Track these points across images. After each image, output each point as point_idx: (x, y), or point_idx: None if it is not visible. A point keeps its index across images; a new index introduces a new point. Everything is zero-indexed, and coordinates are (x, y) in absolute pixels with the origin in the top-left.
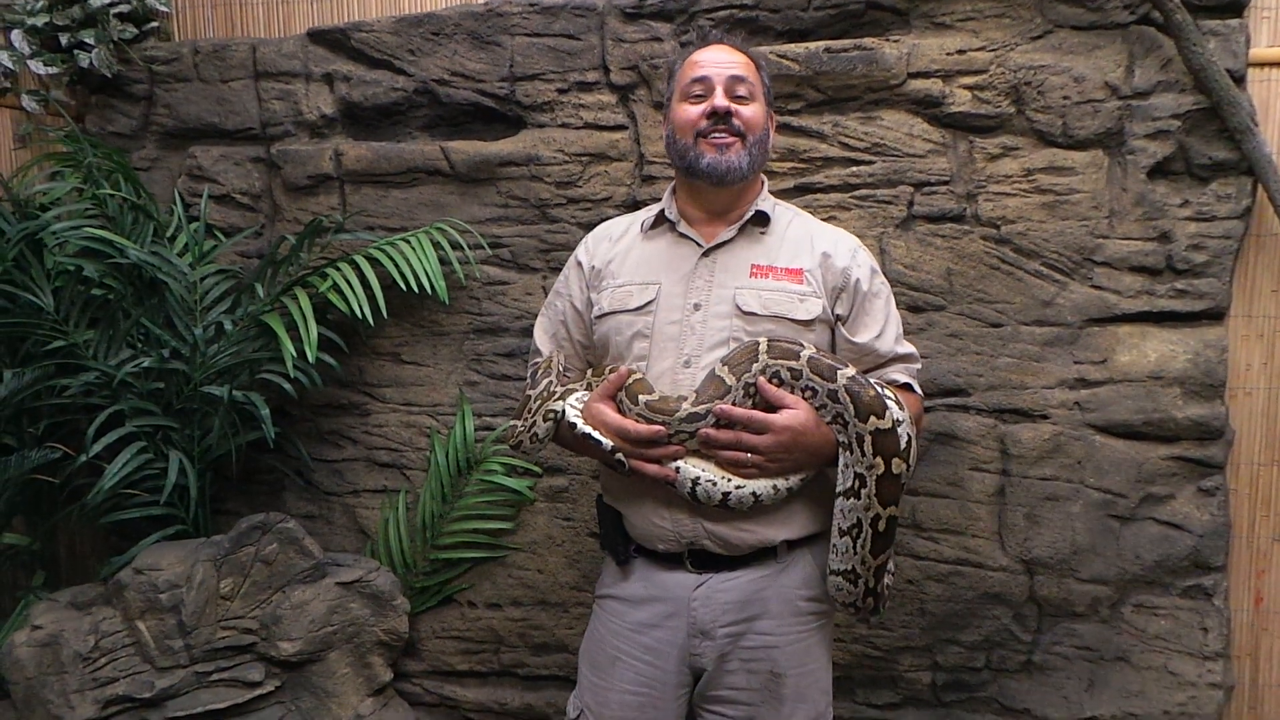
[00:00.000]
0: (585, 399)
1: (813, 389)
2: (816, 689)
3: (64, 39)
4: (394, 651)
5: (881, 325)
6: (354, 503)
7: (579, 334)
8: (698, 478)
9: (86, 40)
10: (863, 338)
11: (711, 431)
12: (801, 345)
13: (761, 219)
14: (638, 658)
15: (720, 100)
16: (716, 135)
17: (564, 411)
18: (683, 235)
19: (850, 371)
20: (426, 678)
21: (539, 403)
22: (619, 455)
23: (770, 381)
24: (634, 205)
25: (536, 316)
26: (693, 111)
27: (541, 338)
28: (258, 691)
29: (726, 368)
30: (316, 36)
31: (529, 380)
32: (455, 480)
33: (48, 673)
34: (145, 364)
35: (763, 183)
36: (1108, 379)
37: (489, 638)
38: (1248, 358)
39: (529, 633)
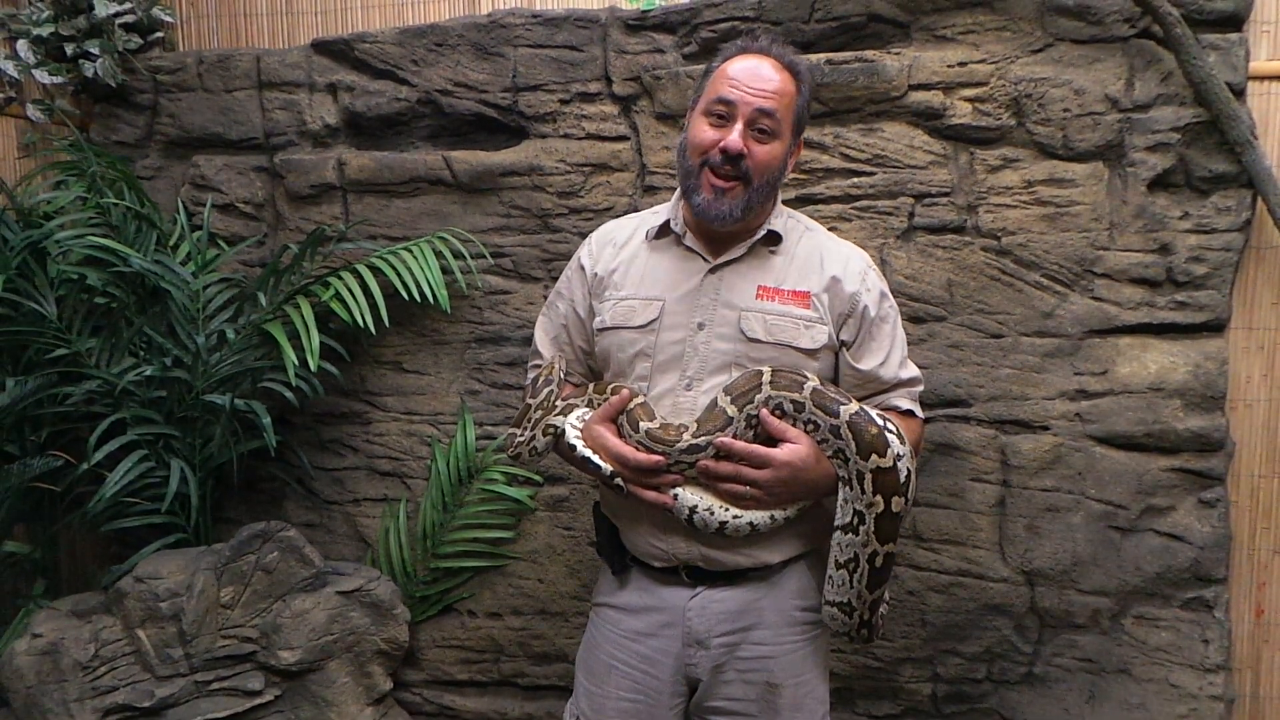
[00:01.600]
0: (586, 417)
1: (815, 423)
2: (813, 699)
3: (69, 49)
4: (394, 661)
5: (886, 352)
6: (355, 511)
7: (580, 339)
8: (695, 506)
9: (92, 50)
10: (867, 365)
11: (711, 464)
12: (806, 377)
13: (773, 239)
14: (633, 666)
15: (735, 140)
16: (720, 174)
17: (564, 430)
18: (689, 249)
19: (854, 408)
20: (426, 687)
21: (539, 413)
22: (617, 480)
23: (773, 413)
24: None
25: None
26: (708, 135)
27: (542, 340)
28: (257, 700)
29: (729, 398)
30: (320, 47)
31: (529, 386)
32: (456, 489)
33: (48, 681)
34: (147, 372)
35: (776, 199)
36: (1108, 390)
37: (489, 647)
38: (1248, 370)
39: (529, 642)
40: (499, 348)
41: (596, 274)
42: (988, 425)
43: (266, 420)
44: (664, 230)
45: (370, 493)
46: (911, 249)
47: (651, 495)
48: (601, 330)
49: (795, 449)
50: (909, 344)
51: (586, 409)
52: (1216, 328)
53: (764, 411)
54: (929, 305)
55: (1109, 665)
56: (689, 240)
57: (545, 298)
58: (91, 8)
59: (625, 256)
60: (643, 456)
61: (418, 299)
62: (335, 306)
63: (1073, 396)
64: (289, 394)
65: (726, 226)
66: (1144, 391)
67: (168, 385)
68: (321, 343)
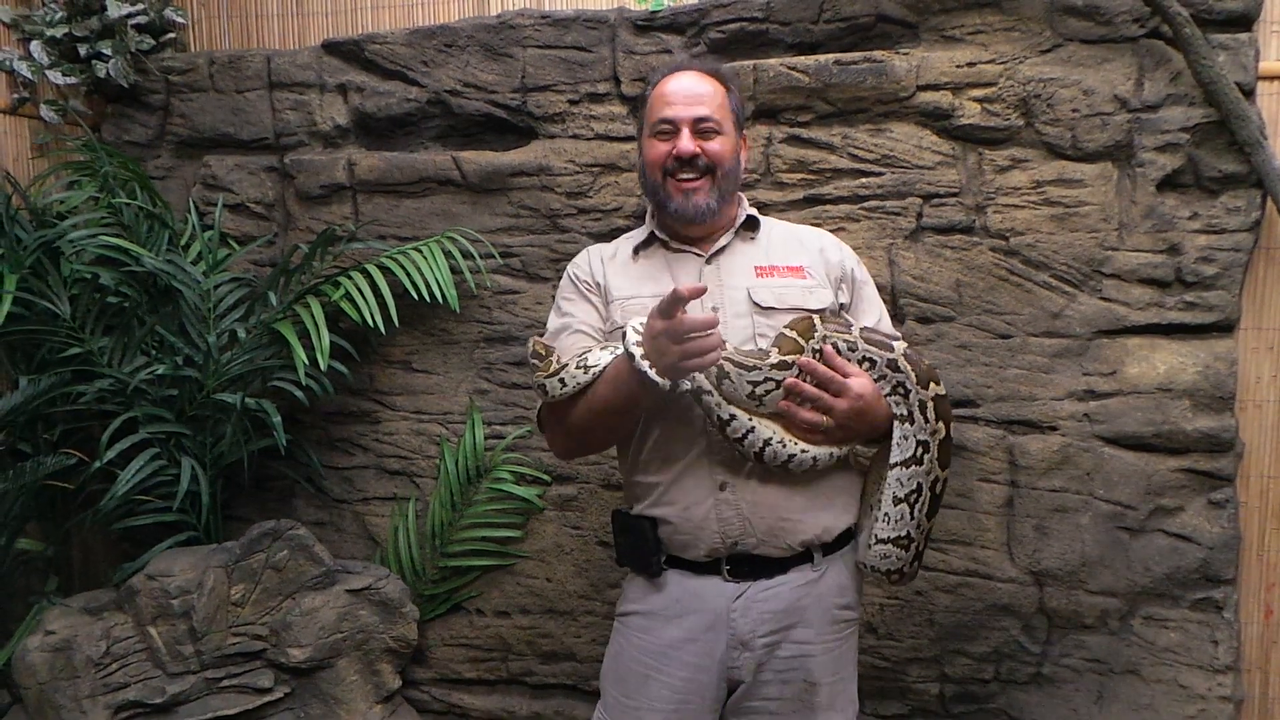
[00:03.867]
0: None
1: (871, 359)
2: (845, 698)
3: (82, 50)
4: (403, 659)
5: (880, 311)
6: (364, 510)
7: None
8: (769, 439)
9: (104, 51)
10: (867, 322)
11: (800, 383)
12: (850, 320)
13: (752, 224)
14: (674, 674)
15: (685, 145)
16: (684, 176)
17: (626, 332)
18: (679, 250)
19: (904, 343)
20: (435, 685)
21: (576, 356)
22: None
23: None
24: (643, 216)
25: (546, 327)
26: (661, 149)
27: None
28: (267, 698)
29: (794, 332)
30: (331, 48)
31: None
32: (465, 488)
33: (60, 678)
34: (159, 371)
35: (740, 197)
36: (1117, 391)
37: (497, 646)
38: (1257, 370)
39: (537, 641)
40: (507, 347)
41: (596, 281)
42: (996, 426)
43: (277, 419)
44: (648, 240)
45: (379, 491)
46: (920, 249)
47: (705, 359)
48: (614, 330)
49: (864, 381)
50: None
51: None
52: (1226, 328)
53: (827, 347)
54: (937, 305)
55: (1117, 666)
56: (676, 244)
57: (554, 298)
58: (104, 9)
59: (616, 267)
60: (699, 317)
61: (427, 299)
62: (345, 306)
63: (1081, 397)
64: (299, 393)
65: (706, 222)
66: (1153, 392)
67: (179, 384)
68: (331, 342)
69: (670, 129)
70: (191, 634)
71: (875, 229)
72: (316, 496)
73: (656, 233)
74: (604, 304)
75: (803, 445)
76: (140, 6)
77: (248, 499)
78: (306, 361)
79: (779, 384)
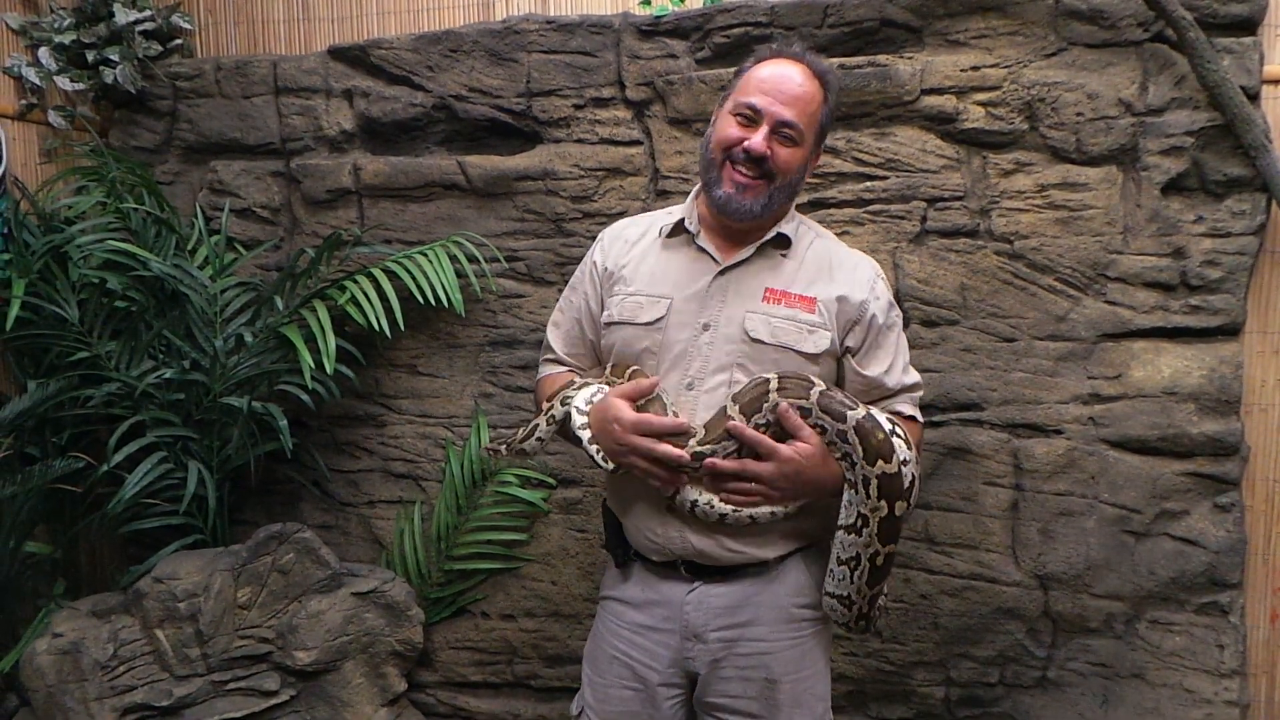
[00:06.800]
0: (596, 398)
1: (822, 427)
2: (813, 696)
3: (90, 56)
4: (408, 662)
5: (891, 359)
6: (370, 513)
7: (593, 334)
8: (696, 500)
9: (112, 57)
10: (872, 371)
11: (718, 462)
12: (812, 382)
13: (783, 241)
14: (633, 657)
15: (758, 143)
16: (744, 171)
17: (570, 411)
18: (701, 249)
19: (860, 412)
20: (440, 688)
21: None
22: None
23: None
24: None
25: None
26: (733, 133)
27: (554, 335)
28: (273, 701)
29: (737, 407)
30: (337, 53)
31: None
32: (470, 491)
33: (68, 680)
34: (166, 375)
35: (792, 204)
36: (1122, 394)
37: (502, 649)
38: (1263, 374)
39: (542, 644)
40: (513, 351)
41: (607, 269)
42: (1000, 429)
43: (283, 423)
44: (677, 229)
45: (385, 495)
46: (924, 253)
47: (656, 472)
48: (609, 325)
49: (802, 448)
50: (921, 348)
51: (599, 387)
52: (1231, 331)
53: (784, 404)
54: (942, 309)
55: (1123, 670)
56: (702, 240)
57: (559, 302)
58: (112, 15)
59: (636, 253)
60: (665, 421)
61: (432, 303)
62: (351, 310)
63: (1086, 400)
64: (305, 397)
65: (745, 222)
66: (1158, 395)
67: (186, 388)
68: (337, 346)
69: (752, 118)
70: (198, 637)
71: (880, 233)
72: (322, 500)
73: (687, 223)
74: (608, 293)
75: (735, 505)
76: (148, 13)
77: (254, 502)
78: (312, 365)
79: (697, 469)
